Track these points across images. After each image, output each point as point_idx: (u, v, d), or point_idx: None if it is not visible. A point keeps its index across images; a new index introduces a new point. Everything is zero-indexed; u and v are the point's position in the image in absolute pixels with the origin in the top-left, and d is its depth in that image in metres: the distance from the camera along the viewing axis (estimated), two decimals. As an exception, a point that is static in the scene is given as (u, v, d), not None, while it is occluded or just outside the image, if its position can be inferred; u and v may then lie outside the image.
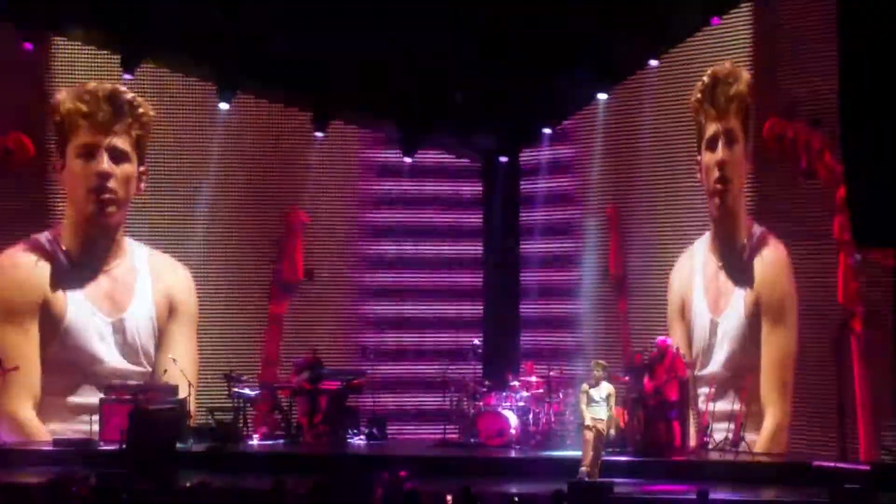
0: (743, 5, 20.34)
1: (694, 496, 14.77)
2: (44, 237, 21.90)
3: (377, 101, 21.75)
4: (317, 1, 20.15)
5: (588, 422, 17.35)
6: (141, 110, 22.15)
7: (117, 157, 22.00)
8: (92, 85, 22.00)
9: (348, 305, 23.12)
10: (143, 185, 22.23)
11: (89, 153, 21.91)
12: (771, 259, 20.09)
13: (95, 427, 20.89)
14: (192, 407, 21.14)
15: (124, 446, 18.80)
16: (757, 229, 20.28)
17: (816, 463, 18.25)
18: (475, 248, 23.47)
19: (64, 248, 21.89)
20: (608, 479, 17.43)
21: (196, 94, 22.37)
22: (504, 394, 21.00)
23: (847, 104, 16.32)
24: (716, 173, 20.67)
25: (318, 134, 22.24)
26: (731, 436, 20.07)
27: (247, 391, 21.36)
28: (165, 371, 21.52)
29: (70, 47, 22.00)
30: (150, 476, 16.60)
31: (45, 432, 21.41)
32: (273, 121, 22.78)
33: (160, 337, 22.16)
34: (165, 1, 19.96)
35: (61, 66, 22.08)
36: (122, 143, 22.01)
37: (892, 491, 16.79)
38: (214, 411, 21.29)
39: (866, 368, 18.77)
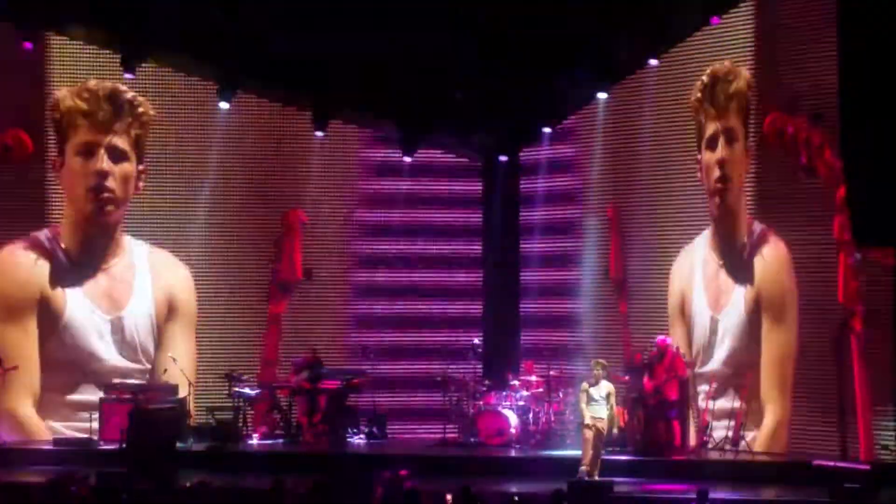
0: (743, 4, 20.33)
1: (694, 495, 14.76)
2: (43, 235, 21.89)
3: (377, 101, 21.75)
4: (317, 1, 20.16)
5: (588, 421, 17.35)
6: (141, 109, 22.13)
7: (116, 156, 21.99)
8: (92, 83, 21.97)
9: (348, 304, 23.09)
10: (141, 184, 22.22)
11: (88, 151, 21.90)
12: (771, 256, 20.10)
13: (95, 426, 20.87)
14: (192, 406, 21.13)
15: (124, 446, 18.80)
16: (757, 227, 20.28)
17: (816, 462, 18.26)
18: (475, 248, 23.46)
19: (63, 246, 21.89)
20: (608, 478, 17.44)
21: (196, 93, 22.33)
22: (504, 393, 20.99)
23: (847, 103, 16.31)
24: (716, 172, 20.67)
25: (319, 134, 22.24)
26: (730, 434, 20.08)
27: (247, 391, 21.35)
28: (165, 370, 21.52)
29: (70, 44, 21.97)
30: (149, 475, 16.60)
31: (44, 430, 21.41)
32: (273, 120, 22.75)
33: (159, 335, 22.16)
34: (166, 0, 19.95)
35: (61, 62, 22.04)
36: (121, 142, 22.00)
37: (892, 490, 16.80)
38: (214, 411, 21.28)
39: (866, 368, 18.77)
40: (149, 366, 22.01)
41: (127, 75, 21.18)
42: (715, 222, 20.87)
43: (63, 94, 21.93)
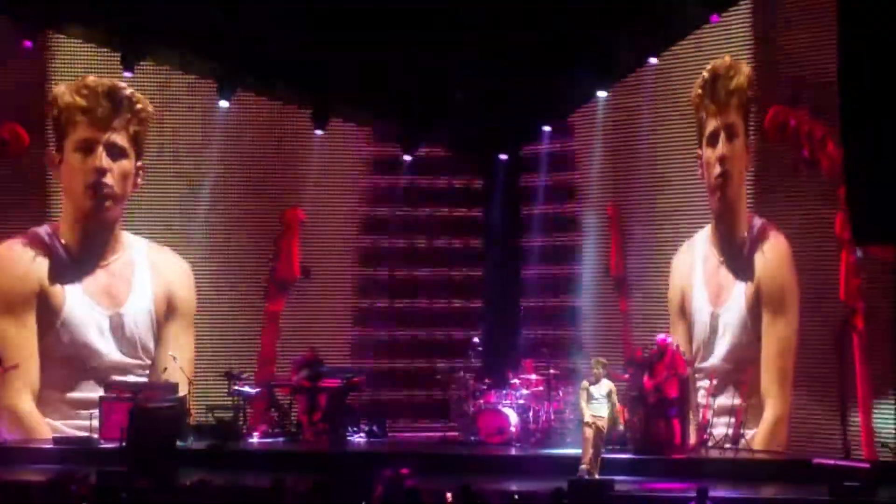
0: (742, 2, 20.32)
1: (694, 494, 14.76)
2: (43, 231, 21.88)
3: (377, 99, 21.75)
4: (317, 1, 20.16)
5: (588, 419, 17.36)
6: (139, 106, 22.10)
7: (115, 153, 21.97)
8: (91, 80, 21.94)
9: (347, 302, 23.09)
10: (139, 181, 22.20)
11: (87, 148, 21.89)
12: (771, 251, 20.09)
13: (95, 424, 20.87)
14: (191, 404, 21.13)
15: (124, 444, 18.79)
16: (757, 222, 20.27)
17: (816, 460, 18.26)
18: (476, 244, 23.45)
19: (63, 242, 21.88)
20: (608, 476, 17.44)
21: (196, 90, 22.32)
22: (504, 391, 21.00)
23: (847, 102, 16.31)
24: (717, 168, 20.67)
25: (318, 131, 22.23)
26: (731, 432, 20.08)
27: (247, 389, 21.35)
28: (165, 369, 21.52)
29: (69, 39, 21.92)
30: (150, 474, 16.56)
31: (45, 426, 21.41)
32: (272, 118, 22.74)
33: (159, 331, 22.15)
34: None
35: (60, 57, 21.98)
36: (120, 139, 21.98)
37: (891, 488, 16.80)
38: (214, 409, 21.28)
39: (868, 365, 18.76)
40: (148, 362, 22.01)
41: (126, 73, 21.17)
42: (715, 218, 20.87)
43: (61, 90, 21.89)
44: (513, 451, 20.34)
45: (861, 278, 18.86)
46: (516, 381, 21.06)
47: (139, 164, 22.16)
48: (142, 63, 21.16)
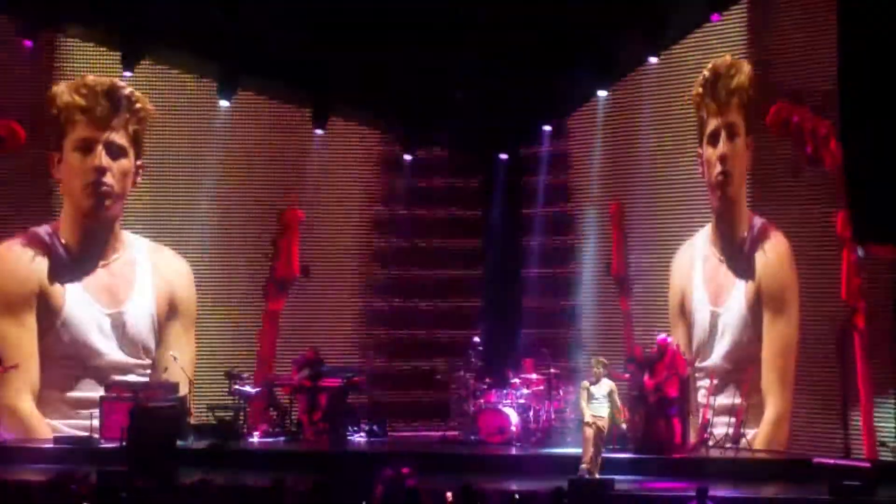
0: (742, 1, 20.34)
1: (694, 493, 14.76)
2: (43, 230, 21.86)
3: (377, 99, 21.74)
4: (317, 1, 20.15)
5: (588, 419, 17.36)
6: (139, 105, 22.08)
7: (114, 152, 21.95)
8: (90, 79, 21.90)
9: (347, 302, 23.08)
10: (138, 179, 22.18)
11: (87, 147, 21.86)
12: (772, 250, 20.08)
13: (96, 424, 20.87)
14: (192, 404, 21.13)
15: (125, 444, 18.80)
16: (757, 221, 20.27)
17: (817, 460, 18.27)
18: (476, 244, 23.44)
19: (63, 241, 21.86)
20: (609, 476, 17.44)
21: (195, 89, 22.31)
22: (504, 391, 20.99)
23: (847, 102, 16.31)
24: (717, 167, 20.67)
25: (319, 131, 22.23)
26: (731, 431, 20.08)
27: (247, 388, 21.35)
28: (166, 369, 21.51)
29: (69, 38, 21.92)
30: (150, 473, 16.59)
31: (45, 425, 21.40)
32: (272, 117, 22.73)
33: (160, 331, 22.14)
34: (165, -1, 20.01)
35: (59, 55, 21.93)
36: (119, 138, 21.96)
37: (892, 488, 16.80)
38: (215, 409, 21.28)
39: (868, 365, 18.76)
40: (149, 361, 21.99)
41: (126, 73, 21.15)
42: (716, 217, 20.87)
43: (60, 89, 21.85)
44: (513, 451, 20.34)
45: (862, 277, 18.86)
46: (517, 380, 21.06)
47: (139, 163, 22.15)
48: (142, 63, 21.14)
